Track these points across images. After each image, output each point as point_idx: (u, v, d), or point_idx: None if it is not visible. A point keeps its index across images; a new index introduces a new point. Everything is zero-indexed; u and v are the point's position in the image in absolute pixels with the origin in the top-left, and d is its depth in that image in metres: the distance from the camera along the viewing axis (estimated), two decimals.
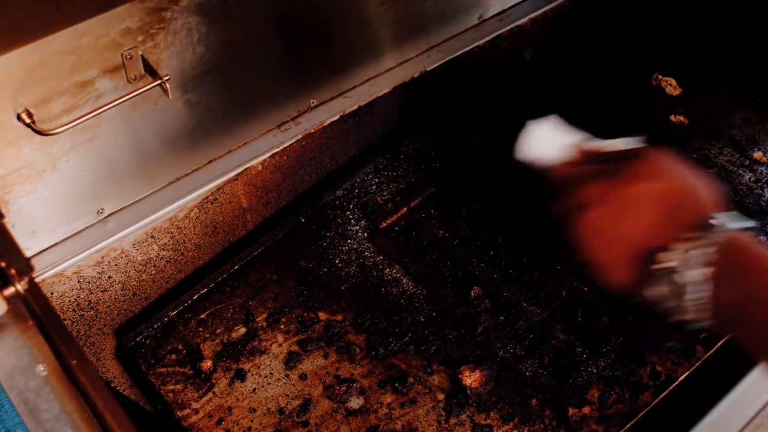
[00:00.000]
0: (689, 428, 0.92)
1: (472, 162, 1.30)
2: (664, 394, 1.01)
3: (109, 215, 1.14)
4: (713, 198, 0.77)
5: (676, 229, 0.73)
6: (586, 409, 1.00)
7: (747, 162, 1.29)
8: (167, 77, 1.02)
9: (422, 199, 1.27)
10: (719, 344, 1.04)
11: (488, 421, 1.00)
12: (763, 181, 1.25)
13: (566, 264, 1.16)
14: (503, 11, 1.49)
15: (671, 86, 1.44)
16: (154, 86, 1.01)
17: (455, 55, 1.41)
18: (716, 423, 0.92)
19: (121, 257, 1.13)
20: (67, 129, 0.97)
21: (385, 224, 1.23)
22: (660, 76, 1.46)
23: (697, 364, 1.03)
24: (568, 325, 1.09)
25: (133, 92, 1.00)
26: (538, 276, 1.15)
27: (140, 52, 1.01)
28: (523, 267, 1.17)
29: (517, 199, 1.25)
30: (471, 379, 1.02)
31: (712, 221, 0.72)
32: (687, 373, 1.02)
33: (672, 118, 1.38)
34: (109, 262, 1.12)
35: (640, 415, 0.99)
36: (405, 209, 1.25)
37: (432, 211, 1.25)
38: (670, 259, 0.72)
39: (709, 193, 0.77)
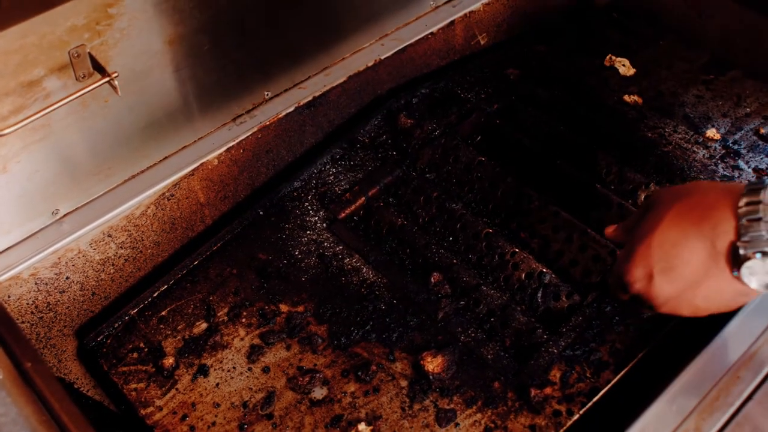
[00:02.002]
0: (649, 404, 0.93)
1: (429, 148, 1.30)
2: (624, 371, 1.02)
3: (65, 215, 1.13)
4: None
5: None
6: (548, 390, 1.01)
7: (701, 139, 1.30)
8: (116, 74, 1.01)
9: (380, 188, 1.27)
10: (676, 320, 1.05)
11: (452, 406, 1.00)
12: (717, 157, 1.26)
13: (524, 246, 1.17)
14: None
15: (624, 67, 1.45)
16: (102, 83, 1.00)
17: (409, 42, 1.41)
18: (674, 398, 0.93)
19: (79, 257, 1.12)
20: (15, 129, 0.96)
21: (343, 214, 1.23)
22: (613, 57, 1.47)
23: (656, 340, 1.04)
24: (528, 308, 1.10)
25: (81, 90, 0.99)
26: (498, 259, 1.15)
27: (88, 50, 1.00)
28: (481, 251, 1.17)
29: (475, 184, 1.26)
30: (433, 364, 1.03)
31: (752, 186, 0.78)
32: (645, 350, 1.03)
33: (626, 98, 1.39)
34: (66, 262, 1.11)
35: (601, 393, 1.00)
36: (363, 199, 1.25)
37: (390, 200, 1.26)
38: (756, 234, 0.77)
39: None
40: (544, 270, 1.12)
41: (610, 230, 0.99)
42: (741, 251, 0.78)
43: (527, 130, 1.33)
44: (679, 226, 0.82)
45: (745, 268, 0.78)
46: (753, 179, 0.96)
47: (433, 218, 1.23)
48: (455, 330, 1.07)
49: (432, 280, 1.13)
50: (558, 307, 1.10)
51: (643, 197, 1.21)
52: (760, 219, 0.76)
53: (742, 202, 0.78)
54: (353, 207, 1.24)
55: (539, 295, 1.11)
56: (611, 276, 0.95)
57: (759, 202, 0.76)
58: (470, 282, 1.12)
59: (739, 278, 0.79)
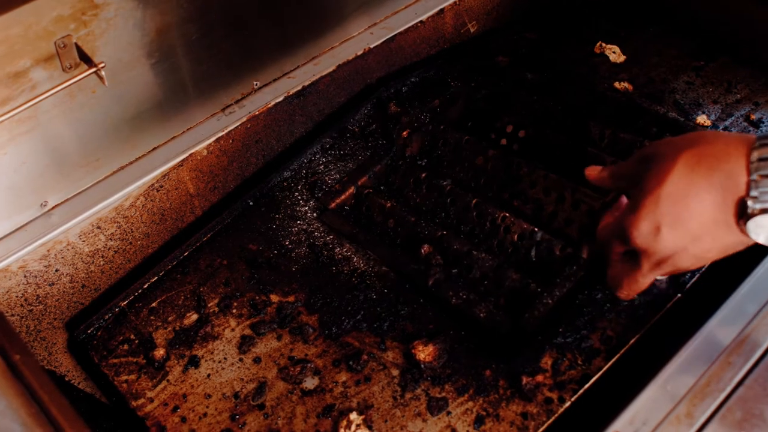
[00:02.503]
0: (640, 390, 0.93)
1: (418, 135, 1.30)
2: (615, 358, 1.02)
3: (53, 207, 1.13)
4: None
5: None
6: (539, 377, 1.00)
7: (691, 125, 1.30)
8: (102, 64, 1.00)
9: (369, 176, 1.26)
10: (667, 306, 1.05)
11: (443, 394, 1.00)
12: None
13: (517, 214, 1.16)
14: None
15: (615, 53, 1.45)
16: (89, 74, 1.00)
17: (398, 30, 1.40)
18: (666, 383, 0.94)
19: (68, 249, 1.12)
20: (2, 121, 0.96)
21: (334, 204, 1.23)
22: (603, 44, 1.47)
23: (647, 326, 1.04)
24: (521, 266, 1.10)
25: (68, 81, 0.99)
26: (489, 226, 1.14)
27: (74, 40, 0.99)
28: (473, 221, 1.16)
29: (465, 162, 1.26)
30: (424, 353, 1.02)
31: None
32: (637, 337, 1.03)
33: (616, 84, 1.38)
34: (55, 255, 1.11)
35: (593, 380, 1.00)
36: (352, 188, 1.24)
37: (381, 187, 1.25)
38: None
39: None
40: (536, 229, 1.11)
41: (593, 172, 0.97)
42: (750, 207, 0.77)
43: (516, 112, 1.32)
44: (688, 178, 0.80)
45: (753, 223, 0.78)
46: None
47: (423, 198, 1.22)
48: (446, 294, 1.07)
49: (422, 251, 1.12)
50: (552, 260, 1.08)
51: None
52: None
53: (755, 156, 0.77)
54: (343, 197, 1.24)
55: (533, 253, 1.10)
56: (605, 228, 0.94)
57: None
58: (461, 249, 1.12)
59: (745, 231, 0.79)
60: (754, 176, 0.76)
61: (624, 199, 0.97)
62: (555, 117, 1.30)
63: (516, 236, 1.12)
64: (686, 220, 0.82)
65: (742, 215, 0.79)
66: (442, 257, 1.12)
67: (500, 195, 1.20)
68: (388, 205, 1.21)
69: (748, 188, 0.77)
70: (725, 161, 0.78)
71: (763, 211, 0.77)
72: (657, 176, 0.83)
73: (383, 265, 1.13)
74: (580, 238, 1.11)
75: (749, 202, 0.77)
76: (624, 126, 1.25)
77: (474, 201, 1.17)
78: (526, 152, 1.25)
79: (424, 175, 1.23)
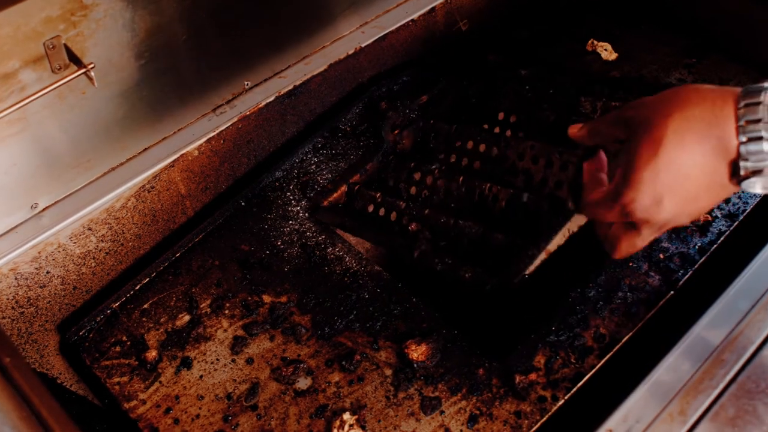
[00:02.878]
0: (634, 388, 0.94)
1: (409, 132, 1.30)
2: (608, 355, 1.02)
3: (44, 209, 1.12)
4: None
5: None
6: (532, 376, 1.00)
7: None
8: (92, 65, 1.00)
9: (361, 174, 1.26)
10: (660, 304, 1.05)
11: (436, 394, 1.00)
12: None
13: (507, 185, 1.14)
14: None
15: (607, 51, 1.45)
16: (78, 75, 0.99)
17: (390, 29, 1.40)
18: (659, 381, 0.94)
19: (59, 251, 1.12)
20: None
21: (326, 203, 1.22)
22: (595, 42, 1.46)
23: (640, 324, 1.04)
24: (510, 228, 1.09)
25: (57, 82, 0.98)
26: (478, 198, 1.13)
27: (63, 41, 0.99)
28: (460, 196, 1.15)
29: (454, 153, 1.24)
30: (417, 352, 1.02)
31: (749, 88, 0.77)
32: (630, 335, 1.03)
33: None
34: (46, 257, 1.11)
35: (586, 378, 1.00)
36: (345, 186, 1.24)
37: (373, 185, 1.25)
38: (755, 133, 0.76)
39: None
40: (525, 193, 1.10)
41: (574, 129, 0.96)
42: (742, 169, 0.78)
43: (508, 100, 1.30)
44: (681, 145, 0.80)
45: (746, 183, 0.79)
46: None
47: (413, 185, 1.21)
48: (431, 263, 1.06)
49: (410, 229, 1.12)
50: (540, 222, 1.06)
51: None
52: (761, 137, 0.76)
53: (742, 119, 0.77)
54: (336, 195, 1.24)
55: (520, 213, 1.09)
56: (596, 204, 0.91)
57: (759, 120, 0.76)
58: (448, 221, 1.11)
59: (739, 187, 0.80)
60: (743, 138, 0.77)
61: (602, 154, 0.96)
62: (546, 99, 1.28)
63: (504, 202, 1.10)
64: (686, 187, 0.81)
65: (735, 174, 0.79)
66: (430, 233, 1.11)
67: (491, 174, 1.18)
68: (378, 195, 1.20)
69: (739, 151, 0.78)
70: (715, 125, 0.78)
71: (755, 172, 0.78)
72: (648, 146, 0.81)
73: (374, 263, 1.13)
74: (565, 191, 1.09)
75: (741, 164, 0.78)
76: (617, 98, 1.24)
77: (461, 178, 1.15)
78: (515, 127, 1.25)
79: (413, 164, 1.22)
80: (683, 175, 0.80)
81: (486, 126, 1.29)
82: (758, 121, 0.76)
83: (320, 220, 1.20)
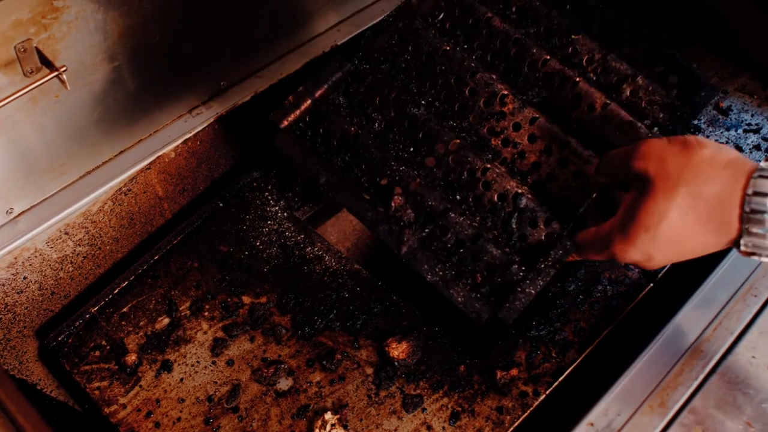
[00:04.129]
0: (614, 381, 0.94)
1: (384, 35, 1.16)
2: (589, 349, 1.02)
3: (20, 214, 1.11)
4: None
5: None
6: (513, 371, 1.01)
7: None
8: (64, 68, 0.99)
9: (328, 87, 1.14)
10: (639, 297, 1.06)
11: (418, 391, 1.00)
12: (678, 133, 1.27)
13: (495, 155, 1.07)
14: None
15: None
16: (50, 78, 0.98)
17: (366, 27, 1.39)
18: (640, 373, 0.94)
19: (35, 256, 1.11)
20: None
21: (286, 122, 1.12)
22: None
23: (620, 317, 1.04)
24: (500, 234, 1.03)
25: (29, 86, 0.97)
26: (467, 176, 1.05)
27: (34, 44, 0.97)
28: (448, 166, 1.06)
29: (438, 79, 1.12)
30: (398, 350, 1.02)
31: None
32: (610, 328, 1.03)
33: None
34: (22, 262, 1.10)
35: (567, 372, 1.00)
36: (309, 101, 1.13)
37: (340, 99, 1.14)
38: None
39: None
40: (519, 191, 1.02)
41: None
42: (741, 248, 0.81)
43: (498, 6, 1.19)
44: (684, 221, 0.81)
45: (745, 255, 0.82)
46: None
47: (391, 123, 1.11)
48: (421, 267, 1.01)
49: (393, 204, 1.04)
50: (535, 236, 1.01)
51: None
52: (764, 234, 0.78)
53: (747, 208, 0.78)
54: (298, 112, 1.12)
55: (513, 221, 1.02)
56: (588, 241, 0.94)
57: (764, 212, 0.78)
58: (437, 207, 1.03)
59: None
60: (746, 226, 0.79)
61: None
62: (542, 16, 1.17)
63: (496, 196, 1.03)
64: (680, 251, 0.84)
65: (735, 246, 0.82)
66: (413, 211, 1.04)
67: (477, 128, 1.09)
68: (352, 131, 1.10)
69: (740, 234, 0.80)
70: (720, 209, 0.80)
71: (755, 254, 0.81)
72: (651, 212, 0.83)
73: (353, 261, 1.12)
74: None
75: (741, 245, 0.80)
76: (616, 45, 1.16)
77: (451, 143, 1.06)
78: (508, 68, 1.13)
79: (393, 95, 1.11)
80: (680, 243, 0.83)
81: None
82: (763, 212, 0.77)
83: (278, 148, 1.11)
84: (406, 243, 1.02)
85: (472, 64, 1.10)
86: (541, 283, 0.97)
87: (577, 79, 1.08)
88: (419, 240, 1.02)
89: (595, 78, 1.11)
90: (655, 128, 1.06)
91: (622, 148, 0.90)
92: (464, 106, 1.09)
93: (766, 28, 1.30)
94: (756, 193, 0.77)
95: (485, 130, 1.08)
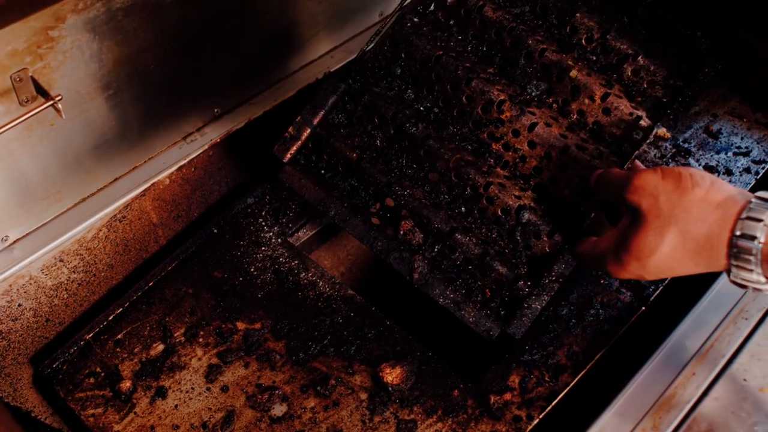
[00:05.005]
0: (607, 405, 0.94)
1: (375, 43, 1.16)
2: (582, 373, 1.02)
3: (15, 241, 1.12)
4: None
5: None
6: (507, 395, 1.01)
7: (651, 139, 1.31)
8: (59, 97, 0.99)
9: (326, 112, 1.15)
10: (632, 321, 1.06)
11: (412, 416, 1.00)
12: (668, 156, 1.28)
13: (497, 159, 1.08)
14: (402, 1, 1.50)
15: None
16: (46, 107, 0.99)
17: (358, 53, 1.41)
18: (632, 397, 0.94)
19: (30, 284, 1.11)
20: None
21: (290, 155, 1.14)
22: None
23: (612, 341, 1.05)
24: (506, 250, 1.04)
25: (25, 115, 0.98)
26: (470, 191, 1.06)
27: (30, 74, 0.98)
28: (451, 182, 1.07)
29: (434, 86, 1.12)
30: (392, 375, 1.02)
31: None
32: (602, 352, 1.04)
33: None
34: (17, 289, 1.10)
35: (560, 396, 1.01)
36: (308, 130, 1.14)
37: (339, 117, 1.15)
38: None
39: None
40: (522, 202, 1.04)
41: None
42: (730, 277, 0.83)
43: None
44: (672, 256, 0.84)
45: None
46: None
47: (392, 140, 1.12)
48: (433, 292, 1.04)
49: (402, 228, 1.07)
50: (539, 247, 1.03)
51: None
52: (751, 270, 0.80)
53: (734, 247, 0.80)
54: (299, 143, 1.14)
55: (518, 234, 1.04)
56: (586, 255, 0.97)
57: (750, 252, 0.80)
58: (443, 228, 1.05)
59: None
60: (734, 262, 0.81)
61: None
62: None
63: (499, 210, 1.04)
64: (670, 275, 0.87)
65: (726, 273, 0.84)
66: (422, 233, 1.06)
67: (477, 133, 1.09)
68: (354, 156, 1.12)
69: (728, 268, 0.82)
70: (708, 248, 0.82)
71: (743, 286, 0.83)
72: (642, 245, 0.85)
73: (347, 287, 1.13)
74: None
75: (730, 277, 0.83)
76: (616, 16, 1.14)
77: (453, 160, 1.07)
78: (503, 64, 1.12)
79: (390, 113, 1.11)
80: (670, 270, 0.86)
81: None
82: (749, 251, 0.79)
83: (284, 183, 1.13)
84: (417, 269, 1.05)
85: (467, 65, 1.10)
86: (546, 298, 1.01)
87: (576, 68, 1.09)
88: (429, 263, 1.05)
89: (595, 59, 1.11)
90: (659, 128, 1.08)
91: (616, 175, 0.93)
92: (462, 113, 1.10)
93: (755, 51, 1.32)
94: (743, 236, 0.79)
95: (485, 136, 1.09)
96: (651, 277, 0.87)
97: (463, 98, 1.10)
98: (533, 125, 1.06)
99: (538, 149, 1.06)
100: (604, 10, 1.14)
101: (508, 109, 1.07)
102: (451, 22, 1.15)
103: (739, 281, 0.82)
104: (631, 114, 1.05)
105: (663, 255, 0.84)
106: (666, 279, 1.09)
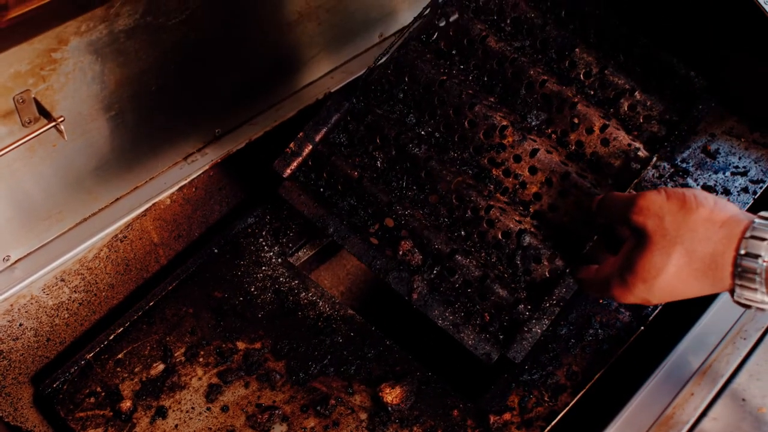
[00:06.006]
0: (607, 424, 0.94)
1: (380, 66, 1.16)
2: (581, 393, 1.03)
3: (16, 261, 1.12)
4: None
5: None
6: (507, 415, 1.01)
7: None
8: (62, 119, 1.00)
9: (328, 129, 1.15)
10: (630, 340, 1.06)
11: None
12: (666, 176, 1.28)
13: (497, 185, 1.09)
14: (404, 28, 1.49)
15: None
16: (48, 129, 1.00)
17: (358, 74, 1.42)
18: (632, 417, 0.95)
19: (32, 303, 1.11)
20: None
21: (290, 171, 1.14)
22: None
23: (611, 360, 1.05)
24: (505, 270, 1.05)
25: (27, 136, 0.99)
26: (471, 214, 1.07)
27: (33, 95, 0.99)
28: (451, 204, 1.08)
29: (437, 110, 1.13)
30: (392, 395, 1.03)
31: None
32: (602, 371, 1.04)
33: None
34: (18, 309, 1.10)
35: (559, 416, 1.01)
36: (309, 146, 1.15)
37: (341, 137, 1.16)
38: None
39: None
40: (523, 226, 1.05)
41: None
42: (735, 298, 0.84)
43: (492, 17, 1.19)
44: (678, 277, 0.84)
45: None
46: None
47: (393, 161, 1.13)
48: (432, 313, 1.04)
49: (401, 249, 1.07)
50: (539, 272, 1.04)
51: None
52: (755, 288, 0.81)
53: (739, 267, 0.81)
54: (300, 159, 1.14)
55: (518, 257, 1.05)
56: (589, 282, 0.98)
57: (754, 272, 0.80)
58: (443, 250, 1.06)
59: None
60: (738, 282, 0.82)
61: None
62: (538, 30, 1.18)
63: (500, 233, 1.05)
64: (675, 297, 0.88)
65: (730, 293, 0.85)
66: (421, 254, 1.07)
67: (477, 159, 1.11)
68: (355, 175, 1.12)
69: (732, 288, 0.83)
70: (714, 267, 0.83)
71: (748, 306, 0.84)
72: (648, 266, 0.86)
73: (346, 306, 1.13)
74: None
75: (735, 297, 0.83)
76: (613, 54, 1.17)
77: (454, 182, 1.08)
78: (505, 93, 1.15)
79: (393, 134, 1.12)
80: (675, 291, 0.86)
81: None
82: (753, 271, 0.80)
83: (283, 198, 1.14)
84: (416, 290, 1.05)
85: (470, 92, 1.12)
86: (547, 322, 1.01)
87: (575, 100, 1.11)
88: (428, 284, 1.06)
89: (592, 93, 1.14)
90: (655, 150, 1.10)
91: (620, 197, 0.94)
92: (464, 137, 1.12)
93: (752, 71, 1.32)
94: (747, 254, 0.80)
95: (486, 161, 1.10)
96: (656, 300, 0.87)
97: (466, 123, 1.11)
98: (535, 151, 1.07)
99: (539, 175, 1.07)
100: (601, 47, 1.16)
101: (511, 134, 1.09)
102: (453, 52, 1.16)
103: (743, 301, 0.83)
104: (629, 145, 1.07)
105: (669, 275, 0.84)
106: None
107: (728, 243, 0.82)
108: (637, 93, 1.12)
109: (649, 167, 1.18)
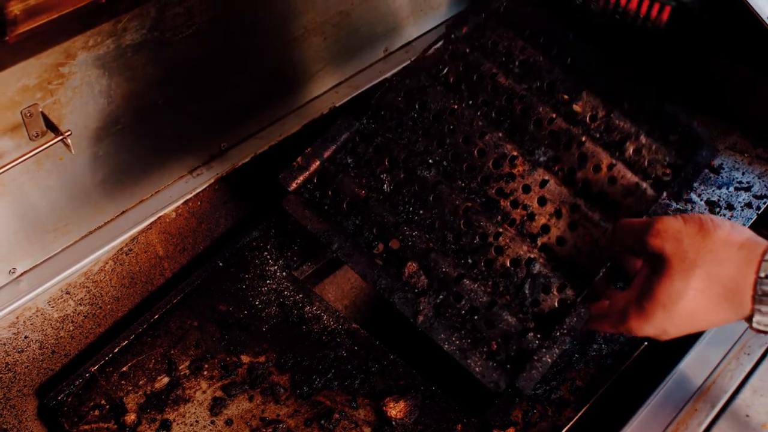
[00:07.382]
0: None
1: (390, 93, 1.18)
2: (585, 408, 1.03)
3: (22, 274, 1.13)
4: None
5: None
6: (510, 430, 1.01)
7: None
8: (69, 132, 1.01)
9: (336, 147, 1.15)
10: (634, 356, 1.07)
11: None
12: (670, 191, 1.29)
13: (504, 217, 1.09)
14: (408, 43, 1.52)
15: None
16: (55, 142, 1.00)
17: (364, 89, 1.42)
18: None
19: (37, 316, 1.12)
20: None
21: (295, 184, 1.13)
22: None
23: (615, 376, 1.05)
24: (513, 300, 1.04)
25: (35, 150, 1.00)
26: (479, 241, 1.07)
27: (40, 109, 1.00)
28: (459, 230, 1.08)
29: (446, 138, 1.14)
30: (396, 410, 1.03)
31: None
32: (605, 387, 1.04)
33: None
34: (24, 321, 1.11)
35: (563, 431, 1.01)
36: (317, 162, 1.14)
37: (348, 159, 1.16)
38: None
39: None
40: (532, 255, 1.05)
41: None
42: (753, 325, 0.83)
43: (501, 59, 1.20)
44: (698, 303, 0.84)
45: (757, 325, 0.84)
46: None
47: (400, 184, 1.12)
48: (438, 337, 1.03)
49: (407, 271, 1.06)
50: (548, 302, 1.03)
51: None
52: None
53: (759, 291, 0.81)
54: (306, 174, 1.14)
55: (527, 286, 1.04)
56: (597, 311, 0.98)
57: None
58: (450, 274, 1.06)
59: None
60: (758, 306, 0.81)
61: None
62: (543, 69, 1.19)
63: (509, 261, 1.06)
64: (694, 326, 0.87)
65: (747, 321, 0.84)
66: (427, 278, 1.06)
67: (486, 189, 1.11)
68: (362, 194, 1.12)
69: (752, 315, 0.82)
70: (735, 291, 0.82)
71: (762, 332, 0.83)
72: (668, 293, 0.85)
73: (351, 320, 1.13)
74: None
75: (753, 323, 0.83)
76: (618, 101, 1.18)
77: (463, 207, 1.09)
78: (513, 126, 1.15)
79: (402, 156, 1.13)
80: (695, 319, 0.85)
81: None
82: None
83: (287, 212, 1.13)
84: (422, 312, 1.05)
85: (480, 123, 1.13)
86: (557, 352, 1.00)
87: (583, 138, 1.12)
88: (434, 307, 1.05)
89: (598, 136, 1.14)
90: (660, 190, 1.10)
91: (636, 222, 0.93)
92: (472, 167, 1.12)
93: (754, 86, 1.33)
94: None
95: (494, 192, 1.11)
96: (674, 329, 0.86)
97: (475, 151, 1.12)
98: (545, 182, 1.09)
99: (548, 206, 1.08)
100: (608, 92, 1.17)
101: (521, 163, 1.10)
102: (463, 87, 1.17)
103: (762, 328, 0.82)
104: (637, 184, 1.08)
105: (690, 300, 0.83)
106: None
107: (749, 264, 0.81)
108: (642, 137, 1.13)
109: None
